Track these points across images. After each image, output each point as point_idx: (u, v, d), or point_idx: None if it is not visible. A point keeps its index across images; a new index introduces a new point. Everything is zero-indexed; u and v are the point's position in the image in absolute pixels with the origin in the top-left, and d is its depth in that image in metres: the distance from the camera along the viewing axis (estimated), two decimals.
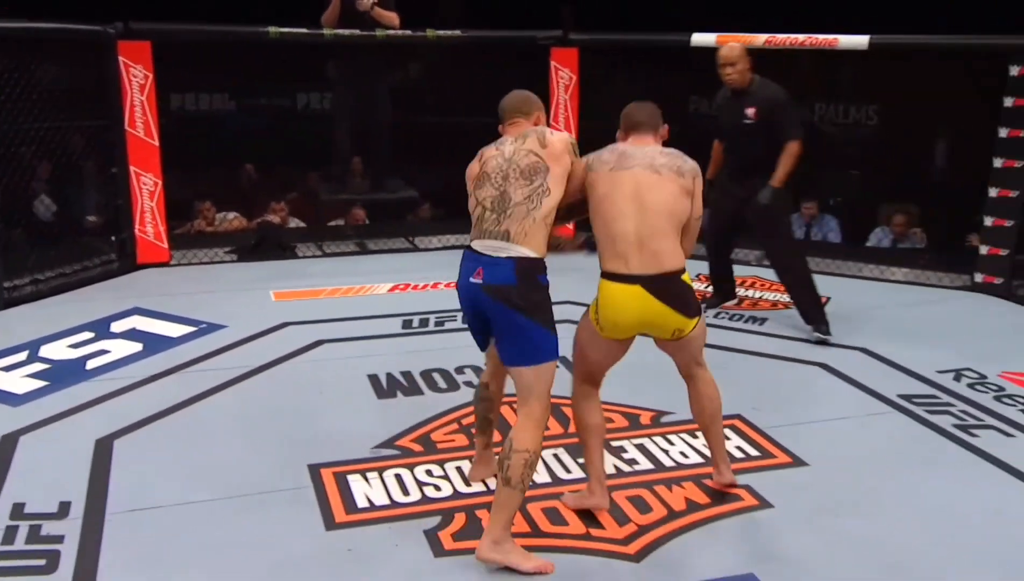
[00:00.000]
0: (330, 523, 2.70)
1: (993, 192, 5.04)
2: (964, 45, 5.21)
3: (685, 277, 2.59)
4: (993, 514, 2.81)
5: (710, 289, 4.81)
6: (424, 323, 4.51)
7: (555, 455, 3.11)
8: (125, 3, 5.39)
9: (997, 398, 3.67)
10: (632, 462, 3.09)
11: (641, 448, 3.18)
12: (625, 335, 2.67)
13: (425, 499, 2.83)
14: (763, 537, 2.70)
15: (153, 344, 4.13)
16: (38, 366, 3.86)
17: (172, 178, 5.49)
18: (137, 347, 4.09)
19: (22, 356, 3.95)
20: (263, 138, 7.09)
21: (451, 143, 5.48)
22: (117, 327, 4.36)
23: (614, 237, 2.56)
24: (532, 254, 2.48)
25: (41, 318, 4.46)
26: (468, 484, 2.92)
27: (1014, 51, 4.89)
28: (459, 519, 2.72)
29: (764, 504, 2.83)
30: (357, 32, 5.66)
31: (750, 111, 4.30)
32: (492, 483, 2.91)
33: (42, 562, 2.47)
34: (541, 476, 2.94)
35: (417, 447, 3.18)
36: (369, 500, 2.82)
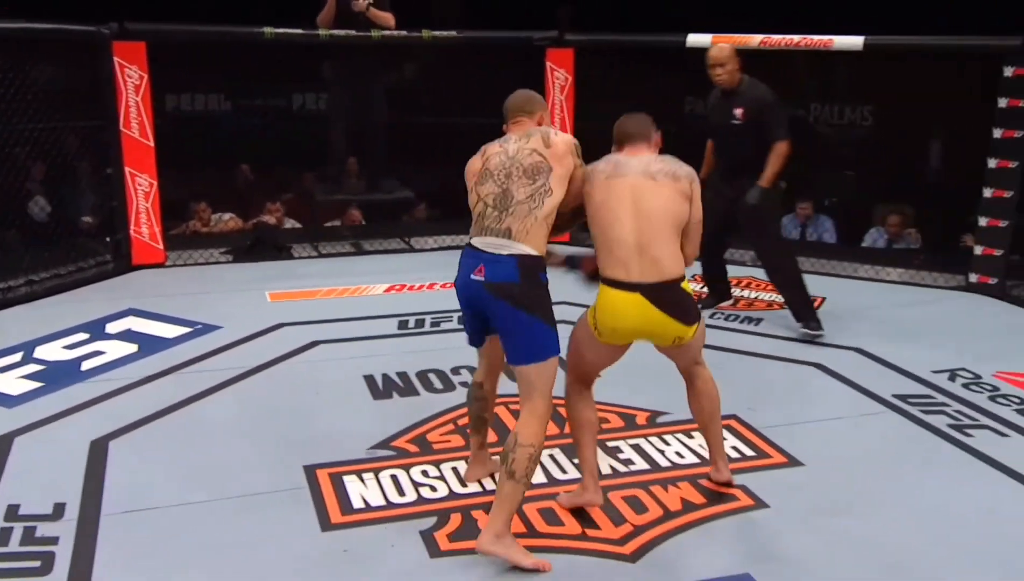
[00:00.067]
0: (326, 524, 2.70)
1: (987, 192, 5.05)
2: (958, 46, 5.23)
3: (685, 284, 2.60)
4: (988, 513, 2.81)
5: (705, 290, 4.81)
6: (420, 324, 4.51)
7: (551, 456, 3.11)
8: (123, 4, 5.39)
9: (992, 398, 3.68)
10: (628, 462, 3.09)
11: (637, 448, 3.19)
12: (623, 342, 2.68)
13: (421, 500, 2.83)
14: (759, 537, 2.70)
15: (148, 345, 4.13)
16: (33, 367, 3.85)
17: (167, 179, 5.48)
18: (132, 348, 4.09)
19: (17, 357, 3.94)
20: (259, 139, 7.09)
21: (447, 144, 5.49)
22: (112, 328, 4.35)
23: (613, 244, 2.56)
24: (533, 252, 2.50)
25: (36, 319, 4.45)
26: (464, 485, 2.92)
27: (1008, 52, 4.91)
28: (455, 519, 2.72)
29: (760, 504, 2.84)
30: (352, 33, 5.66)
31: (738, 111, 4.32)
32: (488, 483, 2.91)
33: (37, 564, 2.47)
34: (537, 477, 2.93)
35: (413, 448, 3.18)
36: (365, 501, 2.82)
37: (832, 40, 5.22)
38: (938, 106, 6.43)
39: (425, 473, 2.99)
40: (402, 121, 6.49)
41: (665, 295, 2.54)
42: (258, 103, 7.65)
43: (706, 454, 3.03)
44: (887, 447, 3.27)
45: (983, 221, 5.11)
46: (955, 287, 5.25)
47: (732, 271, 4.95)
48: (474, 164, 2.66)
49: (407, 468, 3.02)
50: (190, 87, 7.37)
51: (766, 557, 2.59)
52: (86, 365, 3.88)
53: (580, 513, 2.75)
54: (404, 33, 5.82)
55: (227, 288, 5.08)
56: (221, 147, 6.91)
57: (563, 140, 2.61)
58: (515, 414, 3.38)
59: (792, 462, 3.12)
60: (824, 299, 4.98)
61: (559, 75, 5.97)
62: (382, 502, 2.81)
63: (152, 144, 5.30)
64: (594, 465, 2.75)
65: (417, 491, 2.88)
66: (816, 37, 5.25)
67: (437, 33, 5.84)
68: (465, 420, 3.12)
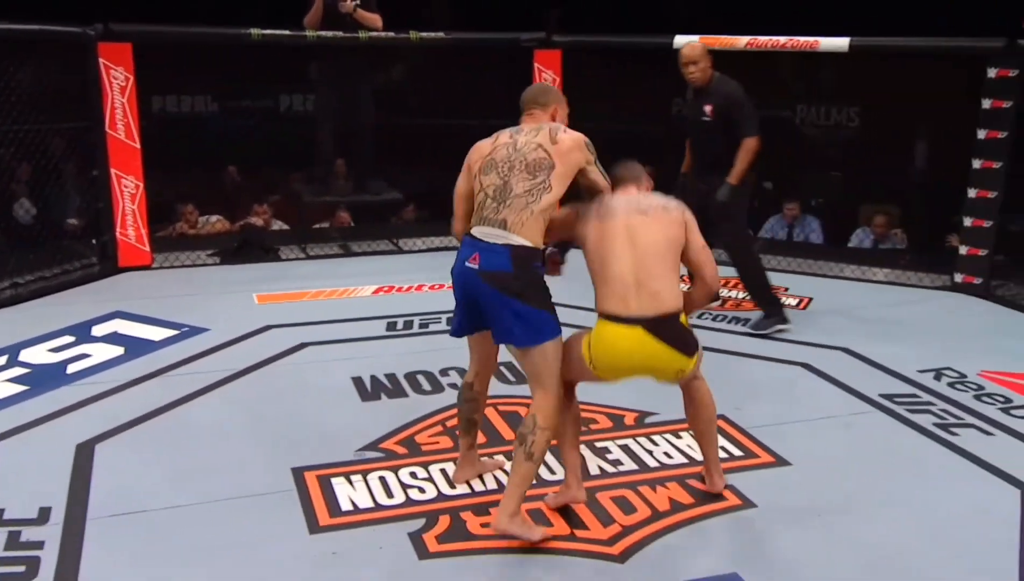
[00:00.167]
0: (314, 526, 2.69)
1: (972, 193, 5.09)
2: (943, 48, 5.26)
3: (683, 318, 2.61)
4: (973, 512, 2.83)
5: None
6: (408, 325, 4.50)
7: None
8: (116, 5, 5.36)
9: (977, 397, 3.71)
10: (616, 463, 3.09)
11: (625, 449, 3.19)
12: (620, 378, 2.68)
13: (409, 501, 2.83)
14: (747, 537, 2.71)
15: (135, 348, 4.11)
16: (18, 370, 3.82)
17: (154, 181, 5.46)
18: (119, 351, 4.06)
19: (2, 360, 3.91)
20: (246, 140, 7.05)
21: (435, 145, 5.49)
22: (98, 331, 4.32)
23: (611, 280, 2.58)
24: (528, 243, 2.53)
25: (21, 322, 4.42)
26: (452, 486, 2.91)
27: (991, 53, 4.95)
28: (443, 521, 2.72)
29: (748, 504, 2.85)
30: (340, 34, 5.65)
31: (707, 108, 4.39)
32: (477, 485, 2.91)
33: (22, 569, 2.45)
34: None
35: (401, 449, 3.17)
36: (353, 503, 2.81)
37: (818, 41, 5.26)
38: (924, 107, 6.47)
39: (414, 475, 2.99)
40: (390, 122, 6.48)
41: (665, 328, 2.55)
42: (245, 104, 7.61)
43: (694, 454, 3.04)
44: (874, 447, 3.29)
45: (968, 221, 5.15)
46: (940, 287, 5.29)
47: (720, 271, 4.95)
48: (482, 147, 2.68)
49: (395, 470, 3.01)
50: (177, 88, 7.33)
51: (754, 557, 2.60)
52: (72, 368, 3.85)
53: (569, 514, 2.75)
54: (391, 34, 5.81)
55: (214, 290, 5.06)
56: (208, 149, 6.87)
57: (570, 137, 2.63)
58: (504, 415, 3.40)
59: (780, 462, 3.13)
60: (811, 299, 5.01)
61: (547, 76, 5.97)
62: (370, 504, 2.81)
63: (138, 146, 5.28)
64: (576, 463, 2.76)
65: (406, 493, 2.87)
66: (802, 39, 5.29)
67: (424, 34, 5.83)
68: (454, 422, 3.12)
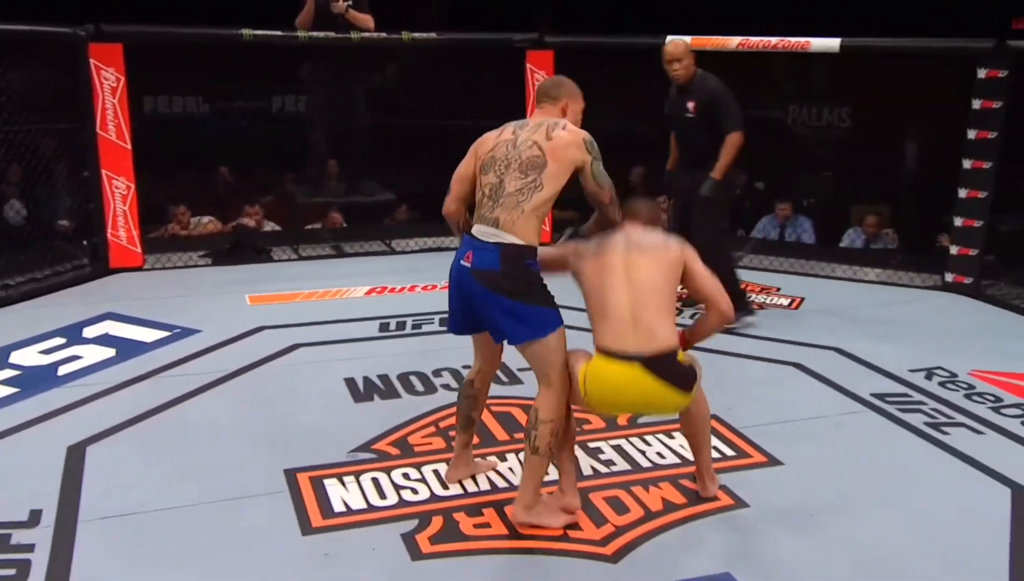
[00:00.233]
0: (306, 528, 2.68)
1: (962, 193, 5.12)
2: (934, 48, 5.29)
3: (680, 356, 2.61)
4: (964, 511, 2.84)
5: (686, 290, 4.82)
6: (401, 326, 4.50)
7: None
8: (108, 5, 5.35)
9: (967, 396, 3.73)
10: (609, 463, 3.10)
11: (618, 449, 3.20)
12: (611, 412, 2.68)
13: (402, 502, 2.82)
14: (739, 537, 2.72)
15: (126, 349, 4.09)
16: (8, 372, 3.80)
17: (146, 182, 5.44)
18: (110, 352, 4.05)
19: None
20: (238, 141, 7.04)
21: (428, 146, 5.48)
22: (89, 332, 4.31)
23: (608, 313, 2.58)
24: (519, 242, 2.53)
25: (12, 324, 4.40)
26: (445, 487, 2.91)
27: (981, 54, 4.97)
28: (436, 522, 2.71)
29: (740, 504, 2.85)
30: (332, 34, 5.64)
31: (690, 105, 4.43)
32: (469, 485, 2.91)
33: (12, 572, 2.44)
34: (517, 479, 2.93)
35: (394, 450, 3.17)
36: (346, 504, 2.81)
37: (809, 42, 5.27)
38: (914, 108, 6.50)
39: (406, 476, 2.98)
40: (383, 123, 6.48)
41: (664, 365, 2.54)
42: (237, 105, 7.59)
43: (687, 454, 3.04)
44: (866, 446, 3.30)
45: (958, 221, 5.17)
46: (931, 287, 5.31)
47: None
48: (487, 140, 2.68)
49: (388, 471, 3.01)
50: (168, 89, 7.30)
51: (747, 557, 2.60)
52: (63, 370, 3.84)
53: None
54: (384, 35, 5.80)
55: (206, 291, 5.05)
56: (200, 149, 6.86)
57: (568, 134, 2.60)
58: (498, 417, 3.40)
59: (772, 461, 3.14)
60: (803, 299, 5.02)
61: (539, 77, 5.97)
62: (363, 505, 2.80)
63: (129, 146, 5.26)
64: (571, 469, 2.76)
65: (398, 494, 2.87)
66: (793, 39, 5.30)
67: (417, 35, 5.83)
68: (447, 422, 3.13)
